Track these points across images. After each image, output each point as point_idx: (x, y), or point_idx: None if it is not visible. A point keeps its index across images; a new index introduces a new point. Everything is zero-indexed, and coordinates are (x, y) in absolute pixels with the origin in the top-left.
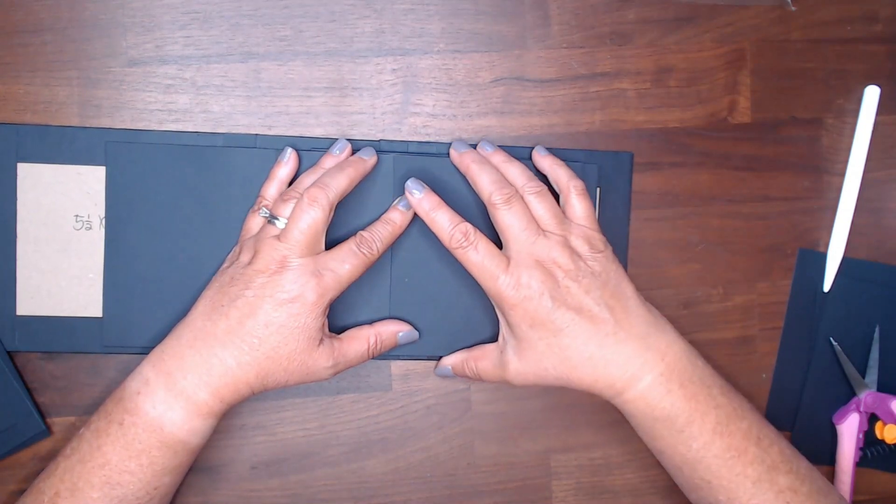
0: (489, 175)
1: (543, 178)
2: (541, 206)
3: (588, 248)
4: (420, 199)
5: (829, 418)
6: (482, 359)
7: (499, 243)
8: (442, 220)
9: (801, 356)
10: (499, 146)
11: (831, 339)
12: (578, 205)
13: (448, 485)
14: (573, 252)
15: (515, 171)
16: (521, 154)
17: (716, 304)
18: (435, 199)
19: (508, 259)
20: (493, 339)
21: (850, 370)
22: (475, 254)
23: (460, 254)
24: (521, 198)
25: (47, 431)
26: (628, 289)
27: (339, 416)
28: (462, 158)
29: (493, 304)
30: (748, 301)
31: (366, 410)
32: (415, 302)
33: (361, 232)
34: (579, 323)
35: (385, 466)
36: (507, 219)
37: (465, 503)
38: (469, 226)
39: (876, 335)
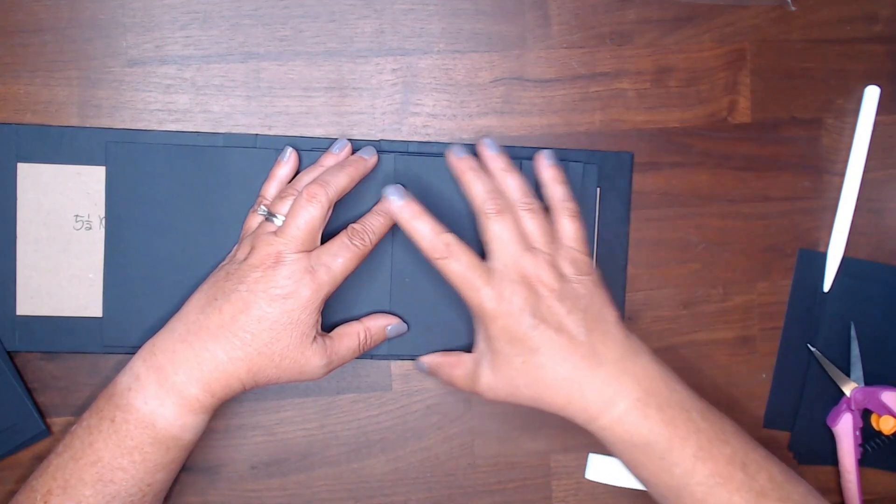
0: (483, 184)
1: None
2: (532, 222)
3: (574, 271)
4: (401, 206)
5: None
6: (457, 366)
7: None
8: (423, 229)
9: (801, 356)
10: (502, 148)
11: (808, 345)
12: (569, 226)
13: (448, 485)
14: (559, 272)
15: (513, 184)
16: (521, 154)
17: (716, 304)
18: (416, 207)
19: (492, 271)
20: None
21: (834, 371)
22: (457, 264)
23: (441, 264)
24: (514, 211)
25: (47, 431)
26: (610, 314)
27: (339, 416)
28: (459, 163)
29: (472, 315)
30: (748, 301)
31: (366, 410)
32: (415, 301)
33: (353, 224)
34: (557, 343)
35: (385, 466)
36: (496, 230)
37: (465, 503)
38: (451, 236)
39: (852, 332)
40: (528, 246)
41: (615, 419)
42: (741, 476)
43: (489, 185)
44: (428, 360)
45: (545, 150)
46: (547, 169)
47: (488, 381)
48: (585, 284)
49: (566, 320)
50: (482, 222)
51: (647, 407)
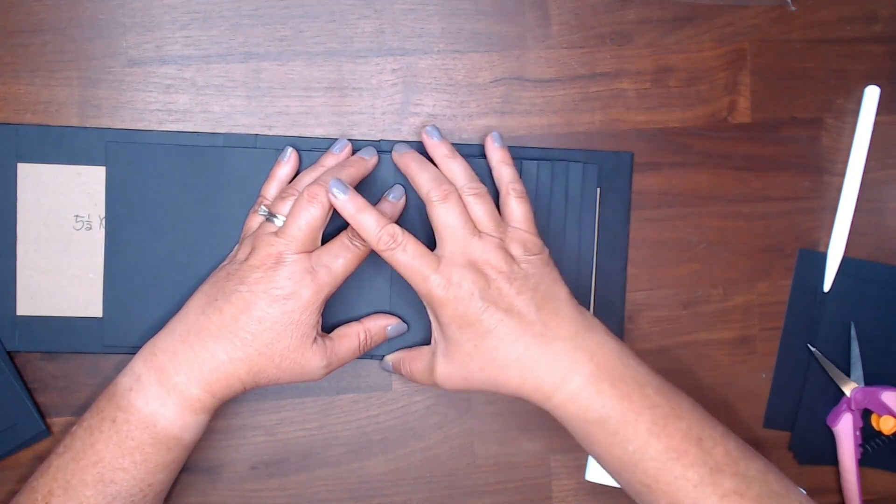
0: (428, 173)
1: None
2: (479, 207)
3: (523, 251)
4: (344, 200)
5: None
6: (415, 360)
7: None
8: (368, 221)
9: (801, 356)
10: (442, 135)
11: (809, 345)
12: (517, 208)
13: (448, 485)
14: (507, 254)
15: (457, 169)
16: (522, 154)
17: (716, 304)
18: (360, 200)
19: (440, 258)
20: None
21: (834, 371)
22: (404, 254)
23: (388, 256)
24: (460, 196)
25: (47, 431)
26: (561, 291)
27: (339, 416)
28: (402, 159)
29: (425, 305)
30: (748, 301)
31: (366, 410)
32: (415, 301)
33: None
34: (507, 324)
35: (385, 466)
36: (444, 216)
37: (465, 503)
38: (396, 227)
39: (852, 332)
40: (476, 230)
41: (568, 396)
42: (696, 451)
43: (433, 173)
44: (390, 357)
45: (494, 133)
46: (495, 151)
47: (443, 370)
48: (535, 264)
49: (516, 301)
50: (430, 210)
51: (600, 382)
